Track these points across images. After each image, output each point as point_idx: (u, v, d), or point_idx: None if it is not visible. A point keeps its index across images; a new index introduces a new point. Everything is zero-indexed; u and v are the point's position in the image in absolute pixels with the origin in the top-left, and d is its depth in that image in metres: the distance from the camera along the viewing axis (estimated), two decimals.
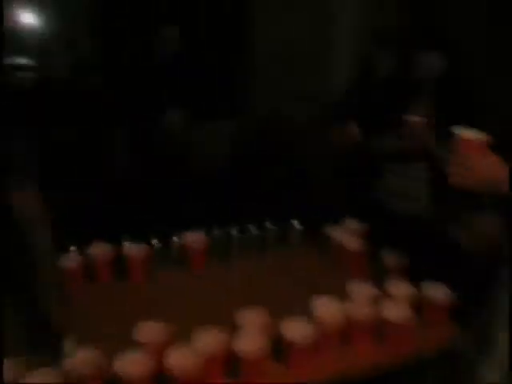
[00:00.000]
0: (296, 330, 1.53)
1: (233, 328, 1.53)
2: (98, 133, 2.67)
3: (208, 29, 3.73)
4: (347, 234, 2.10)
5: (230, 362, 1.46)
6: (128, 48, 3.08)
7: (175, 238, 2.01)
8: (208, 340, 1.45)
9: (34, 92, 2.44)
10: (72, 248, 1.88)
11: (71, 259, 1.84)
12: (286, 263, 2.11)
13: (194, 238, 2.03)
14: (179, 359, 1.39)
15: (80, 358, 1.38)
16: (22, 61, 3.05)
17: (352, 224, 2.17)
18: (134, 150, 2.77)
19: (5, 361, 1.31)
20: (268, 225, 2.15)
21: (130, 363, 1.37)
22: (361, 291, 1.75)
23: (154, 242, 1.97)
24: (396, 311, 1.63)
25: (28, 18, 3.40)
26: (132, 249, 1.93)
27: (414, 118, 1.98)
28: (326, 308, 1.63)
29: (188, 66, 2.80)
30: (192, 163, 2.89)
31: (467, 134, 1.31)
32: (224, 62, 3.71)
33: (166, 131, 2.69)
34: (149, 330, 1.49)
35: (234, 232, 2.10)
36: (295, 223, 2.19)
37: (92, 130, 2.62)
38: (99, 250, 1.90)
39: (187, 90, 2.73)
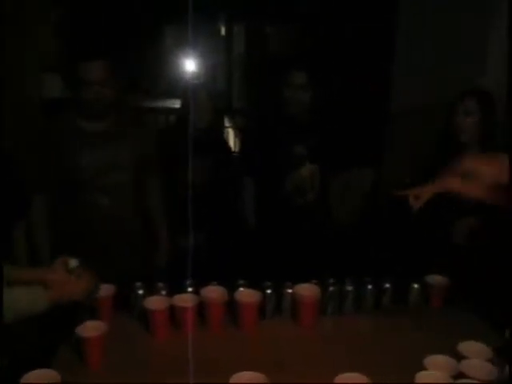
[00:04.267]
0: None
1: None
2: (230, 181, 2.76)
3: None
4: None
5: None
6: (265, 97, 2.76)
7: (288, 289, 1.99)
8: None
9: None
10: (189, 289, 1.98)
11: (186, 300, 1.92)
12: (399, 324, 1.96)
13: (307, 290, 1.98)
14: None
15: None
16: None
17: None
18: (263, 199, 2.76)
19: None
20: (385, 283, 2.03)
21: None
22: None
23: (268, 290, 1.98)
24: None
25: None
26: (244, 295, 1.95)
27: None
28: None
29: (322, 114, 2.74)
30: (319, 215, 2.76)
31: None
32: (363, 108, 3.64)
33: (299, 181, 2.61)
34: (244, 380, 1.51)
35: (350, 287, 2.01)
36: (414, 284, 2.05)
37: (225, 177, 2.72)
38: (213, 292, 1.97)
39: (322, 140, 2.67)
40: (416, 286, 2.05)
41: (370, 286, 2.02)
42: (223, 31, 5.75)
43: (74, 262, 1.77)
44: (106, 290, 1.96)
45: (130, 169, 2.38)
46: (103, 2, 4.64)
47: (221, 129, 2.84)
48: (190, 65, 4.54)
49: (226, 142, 2.88)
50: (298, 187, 2.62)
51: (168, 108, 4.70)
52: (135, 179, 2.42)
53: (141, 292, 1.97)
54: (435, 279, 2.08)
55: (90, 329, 1.72)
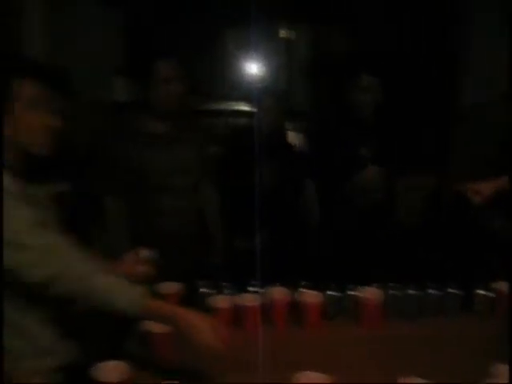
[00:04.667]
0: None
1: None
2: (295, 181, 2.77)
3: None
4: None
5: None
6: (334, 98, 2.98)
7: (351, 291, 2.01)
8: None
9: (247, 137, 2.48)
10: (253, 289, 2.01)
11: (250, 299, 1.96)
12: (464, 331, 1.94)
13: (369, 293, 1.99)
14: None
15: None
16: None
17: None
18: (326, 200, 2.77)
19: None
20: (450, 288, 2.02)
21: None
22: None
23: (330, 292, 2.00)
24: None
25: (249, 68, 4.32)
26: (307, 296, 1.97)
27: None
28: None
29: (387, 116, 2.71)
30: (383, 219, 2.75)
31: None
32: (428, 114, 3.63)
33: (362, 183, 2.61)
34: (306, 380, 1.52)
35: (412, 291, 2.01)
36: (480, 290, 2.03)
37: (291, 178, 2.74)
38: (277, 293, 2.00)
39: (386, 142, 2.65)
40: (482, 292, 2.02)
41: (433, 291, 2.01)
42: (285, 33, 5.77)
43: (145, 252, 1.85)
44: (172, 287, 2.02)
45: (193, 171, 2.43)
46: (165, 4, 4.73)
47: (285, 131, 2.84)
48: (252, 67, 4.58)
49: (290, 145, 2.88)
50: (362, 189, 2.60)
51: (230, 111, 4.76)
52: (197, 181, 2.47)
53: (205, 290, 2.03)
54: (502, 286, 2.04)
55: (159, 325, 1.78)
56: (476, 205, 2.07)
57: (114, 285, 1.55)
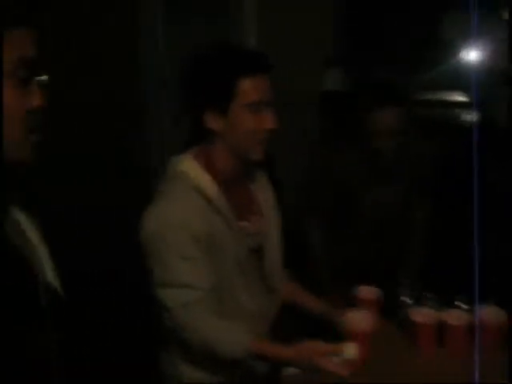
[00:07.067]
0: None
1: None
2: None
3: None
4: None
5: None
6: None
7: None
8: None
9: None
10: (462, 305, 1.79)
11: (456, 317, 1.75)
12: None
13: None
14: None
15: None
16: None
17: None
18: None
19: None
20: None
21: None
22: None
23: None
24: None
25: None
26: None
27: None
28: None
29: None
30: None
31: None
32: None
33: None
34: None
35: None
36: None
37: None
38: (490, 314, 1.75)
39: None
40: None
41: None
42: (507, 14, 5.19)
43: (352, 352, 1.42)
44: (370, 292, 1.88)
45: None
46: None
47: None
48: (473, 54, 4.19)
49: None
50: None
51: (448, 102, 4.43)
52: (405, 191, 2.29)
53: (406, 300, 1.85)
54: None
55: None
56: None
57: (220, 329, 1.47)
